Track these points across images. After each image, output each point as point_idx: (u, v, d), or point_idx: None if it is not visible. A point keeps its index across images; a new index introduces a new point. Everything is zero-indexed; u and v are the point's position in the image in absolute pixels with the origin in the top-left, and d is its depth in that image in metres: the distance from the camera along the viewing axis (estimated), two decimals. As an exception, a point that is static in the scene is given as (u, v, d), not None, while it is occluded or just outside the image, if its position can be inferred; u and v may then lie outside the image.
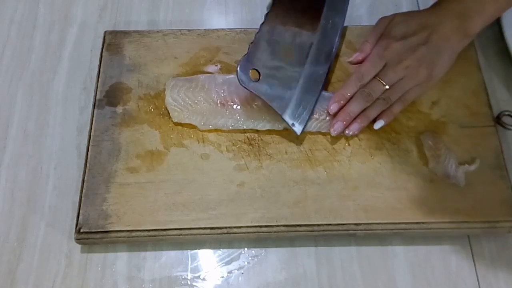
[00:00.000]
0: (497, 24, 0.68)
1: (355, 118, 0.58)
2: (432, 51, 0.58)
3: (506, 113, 0.62)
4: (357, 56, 0.61)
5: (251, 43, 0.58)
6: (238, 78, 0.56)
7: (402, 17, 0.61)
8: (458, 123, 0.61)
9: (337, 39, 0.64)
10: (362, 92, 0.58)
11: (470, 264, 0.57)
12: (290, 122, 0.58)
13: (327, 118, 0.59)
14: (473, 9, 0.58)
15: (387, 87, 0.58)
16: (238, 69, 0.56)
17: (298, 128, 0.58)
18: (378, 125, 0.59)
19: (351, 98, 0.58)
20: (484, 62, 0.67)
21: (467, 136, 0.60)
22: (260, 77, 0.57)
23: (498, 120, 0.62)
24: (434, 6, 0.61)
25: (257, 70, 0.57)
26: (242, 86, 0.56)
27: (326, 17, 0.64)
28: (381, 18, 0.62)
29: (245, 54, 0.57)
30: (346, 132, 0.58)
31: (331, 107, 0.58)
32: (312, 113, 0.59)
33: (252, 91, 0.57)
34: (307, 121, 0.59)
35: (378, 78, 0.58)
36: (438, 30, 0.58)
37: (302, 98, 0.59)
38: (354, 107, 0.58)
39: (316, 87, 0.61)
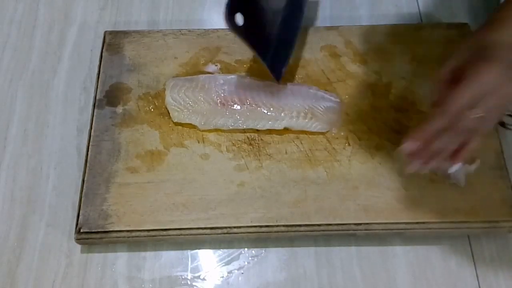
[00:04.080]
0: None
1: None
2: None
3: (507, 113, 0.62)
4: (410, 146, 0.50)
5: None
6: (225, 21, 0.53)
7: (478, 39, 0.51)
8: (458, 123, 0.61)
9: None
10: (454, 132, 0.49)
11: (470, 264, 0.57)
12: (270, 68, 0.59)
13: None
14: None
15: (482, 114, 0.48)
16: (224, 11, 0.52)
17: (277, 75, 0.60)
18: (454, 168, 0.51)
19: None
20: (484, 62, 0.67)
21: (467, 136, 0.60)
22: (244, 22, 0.56)
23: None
24: (498, 23, 0.51)
25: (242, 14, 0.55)
26: (230, 30, 0.54)
27: None
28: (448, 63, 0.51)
29: None
30: (422, 170, 0.51)
31: (408, 146, 0.49)
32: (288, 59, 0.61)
33: (238, 35, 0.55)
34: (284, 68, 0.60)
35: (474, 111, 0.48)
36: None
37: (280, 44, 0.60)
38: (443, 147, 0.49)
39: (292, 34, 0.62)
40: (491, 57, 0.49)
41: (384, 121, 0.61)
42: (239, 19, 0.55)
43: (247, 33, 0.55)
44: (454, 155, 0.50)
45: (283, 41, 0.61)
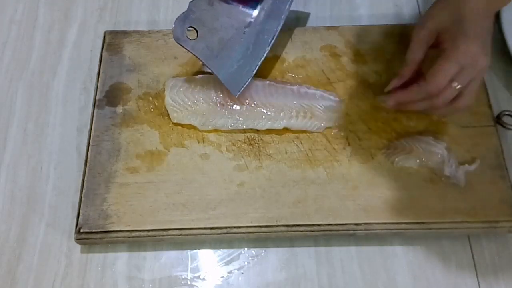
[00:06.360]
0: (497, 24, 0.68)
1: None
2: (488, 45, 0.54)
3: (506, 113, 0.62)
4: (395, 84, 0.58)
5: (191, 1, 0.57)
6: (173, 36, 0.55)
7: (450, 15, 0.54)
8: (458, 123, 0.61)
9: (287, 6, 0.63)
10: (431, 101, 0.55)
11: (470, 264, 0.57)
12: (226, 82, 0.58)
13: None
14: None
15: (459, 88, 0.53)
16: (174, 25, 0.55)
17: (235, 90, 0.59)
18: None
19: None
20: (484, 62, 0.67)
21: (467, 136, 0.60)
22: (198, 36, 0.57)
23: (498, 119, 0.62)
24: None
25: (194, 28, 0.57)
26: (177, 43, 0.56)
27: None
28: (418, 28, 0.56)
29: (184, 12, 0.56)
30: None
31: (389, 102, 0.59)
32: (251, 76, 0.59)
33: (187, 48, 0.57)
34: (248, 83, 0.59)
35: (453, 84, 0.53)
36: (483, 22, 0.53)
37: (243, 60, 0.59)
38: (418, 108, 0.57)
39: (260, 51, 0.61)
40: (468, 31, 0.52)
41: (384, 121, 0.61)
42: (192, 33, 0.57)
43: (200, 47, 0.57)
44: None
45: (247, 57, 0.60)
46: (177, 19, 0.56)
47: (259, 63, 0.60)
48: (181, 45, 0.56)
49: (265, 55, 0.61)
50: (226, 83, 0.58)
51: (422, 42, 0.56)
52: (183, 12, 0.56)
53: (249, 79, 0.59)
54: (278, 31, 0.62)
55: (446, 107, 0.55)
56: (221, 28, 0.59)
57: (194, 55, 0.57)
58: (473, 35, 0.52)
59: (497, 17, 0.68)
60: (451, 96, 0.54)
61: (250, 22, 0.61)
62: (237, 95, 0.59)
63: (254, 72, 0.60)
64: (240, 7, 0.61)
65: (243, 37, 0.60)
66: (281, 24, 0.62)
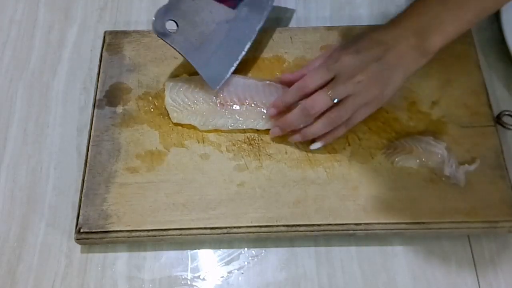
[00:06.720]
0: (497, 24, 0.68)
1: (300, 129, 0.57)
2: (385, 68, 0.54)
3: (506, 113, 0.62)
4: (287, 76, 0.60)
5: None
6: (153, 28, 0.56)
7: (355, 37, 0.57)
8: (458, 123, 0.61)
9: (270, 2, 0.63)
10: (303, 109, 0.55)
11: (470, 264, 0.57)
12: (206, 76, 0.58)
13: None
14: (432, 27, 0.54)
15: (335, 101, 0.54)
16: (154, 18, 0.55)
17: (214, 84, 0.59)
18: (314, 146, 0.57)
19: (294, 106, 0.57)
20: (484, 62, 0.67)
21: (467, 136, 0.60)
22: (178, 29, 0.57)
23: (498, 120, 0.62)
24: (390, 23, 0.57)
25: (175, 21, 0.57)
26: (157, 36, 0.56)
27: None
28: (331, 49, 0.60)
29: (165, 4, 0.56)
30: (289, 138, 0.58)
31: (270, 111, 0.58)
32: (231, 70, 0.60)
33: (167, 41, 0.57)
34: (227, 78, 0.60)
35: (325, 90, 0.54)
36: (393, 47, 0.54)
37: (224, 54, 0.60)
38: (293, 121, 0.56)
39: (240, 46, 0.61)
40: (351, 46, 0.55)
41: (384, 121, 0.61)
42: (171, 25, 0.57)
43: (179, 40, 0.57)
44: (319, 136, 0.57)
45: (227, 52, 0.60)
46: (157, 11, 0.56)
47: (240, 58, 0.61)
48: (161, 38, 0.56)
49: (246, 51, 0.61)
50: (205, 77, 0.59)
51: (321, 56, 0.60)
52: (164, 5, 0.56)
53: (229, 74, 0.60)
54: (260, 27, 0.62)
55: (324, 120, 0.55)
56: (202, 23, 0.59)
57: (174, 48, 0.57)
58: (354, 50, 0.55)
59: (497, 17, 0.68)
60: (324, 103, 0.54)
61: (232, 17, 0.61)
62: (216, 89, 0.60)
63: (234, 67, 0.60)
64: (222, 2, 0.61)
65: (224, 32, 0.60)
66: (263, 20, 0.62)
